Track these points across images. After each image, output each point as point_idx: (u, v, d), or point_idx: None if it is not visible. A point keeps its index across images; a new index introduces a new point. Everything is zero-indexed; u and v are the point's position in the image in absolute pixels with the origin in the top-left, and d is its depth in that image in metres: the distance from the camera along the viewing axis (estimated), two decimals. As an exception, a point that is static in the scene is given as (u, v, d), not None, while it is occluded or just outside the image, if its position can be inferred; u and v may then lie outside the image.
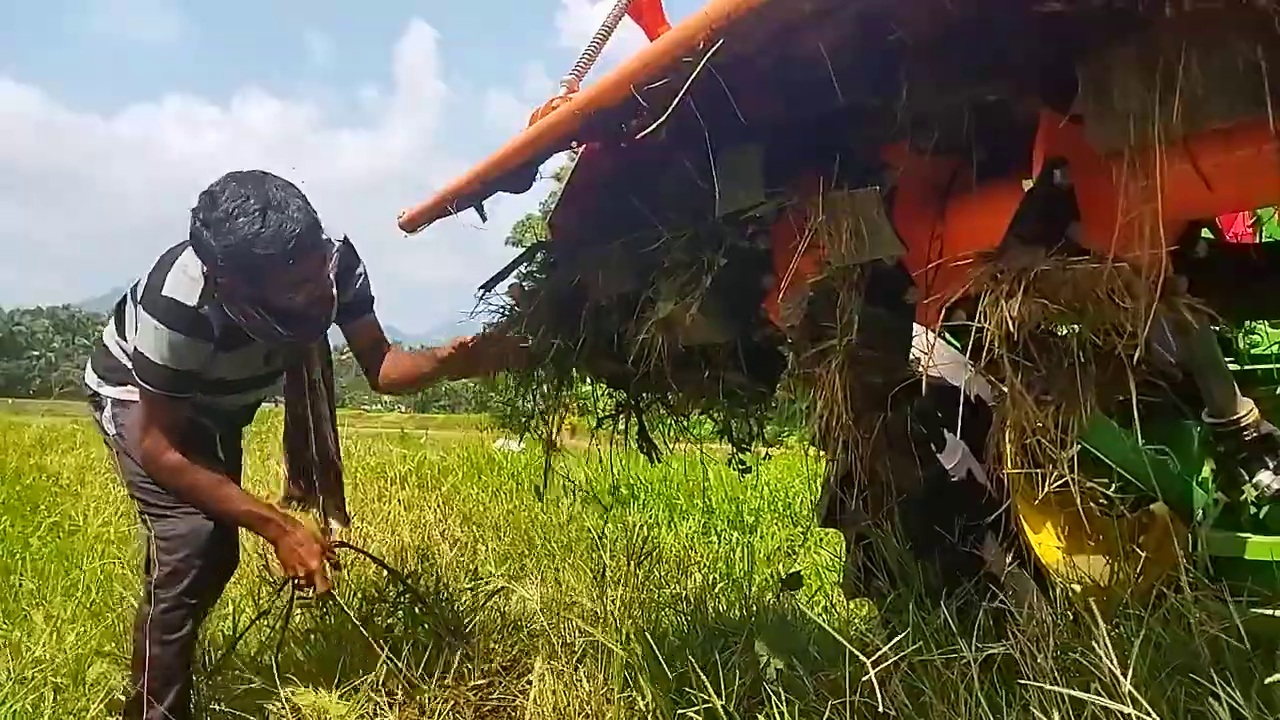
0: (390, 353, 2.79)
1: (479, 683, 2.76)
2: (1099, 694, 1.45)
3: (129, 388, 2.50)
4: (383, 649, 2.92)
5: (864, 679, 1.67)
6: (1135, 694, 1.37)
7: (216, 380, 2.52)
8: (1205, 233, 1.62)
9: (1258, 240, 2.70)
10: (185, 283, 2.34)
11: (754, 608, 3.71)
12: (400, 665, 2.80)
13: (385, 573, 3.36)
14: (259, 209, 2.15)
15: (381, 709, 2.65)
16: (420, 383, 2.85)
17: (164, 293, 2.33)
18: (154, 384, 2.37)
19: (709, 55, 1.18)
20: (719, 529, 6.00)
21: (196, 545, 2.46)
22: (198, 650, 2.77)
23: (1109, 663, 1.43)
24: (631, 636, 2.65)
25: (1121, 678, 1.39)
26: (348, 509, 3.00)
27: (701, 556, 5.12)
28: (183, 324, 2.33)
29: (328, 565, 2.59)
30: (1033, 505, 2.83)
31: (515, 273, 2.53)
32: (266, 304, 2.30)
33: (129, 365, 2.49)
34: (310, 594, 2.63)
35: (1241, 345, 2.76)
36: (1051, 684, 1.61)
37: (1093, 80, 1.13)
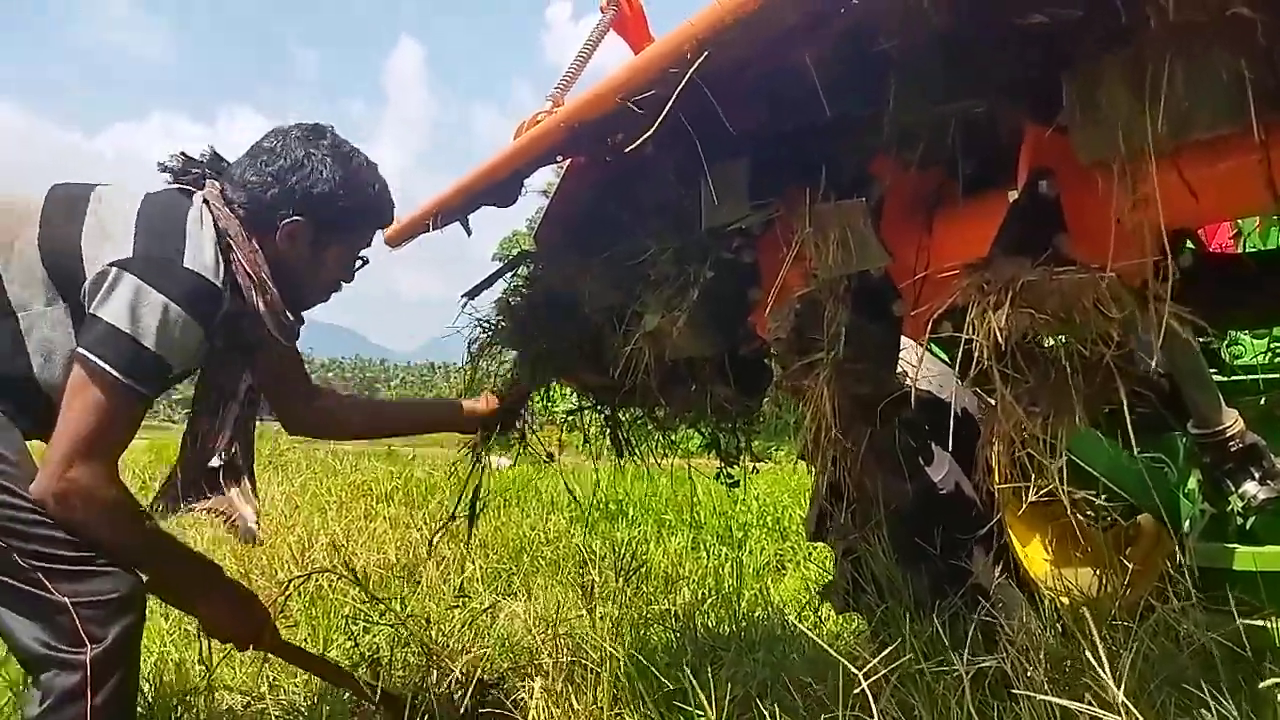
0: (332, 394, 2.49)
1: (466, 703, 2.73)
2: (1091, 705, 1.45)
3: None
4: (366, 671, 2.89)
5: (855, 691, 1.66)
6: (1128, 704, 1.36)
7: None
8: (1188, 243, 1.64)
9: (1241, 251, 2.72)
10: (208, 252, 1.84)
11: (744, 623, 3.69)
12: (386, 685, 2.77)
13: (368, 595, 3.33)
14: (372, 163, 2.05)
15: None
16: (374, 433, 2.65)
17: (187, 265, 1.79)
18: (130, 374, 1.73)
19: (695, 67, 1.19)
20: (708, 544, 5.98)
21: (136, 606, 1.85)
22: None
23: (1102, 673, 1.42)
24: (620, 653, 2.63)
25: (1114, 687, 1.38)
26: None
27: (690, 572, 5.10)
28: (207, 309, 1.83)
29: (268, 617, 2.17)
30: (1020, 518, 2.84)
31: (500, 283, 2.54)
32: (310, 268, 2.02)
33: None
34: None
35: (1226, 356, 2.78)
36: (1042, 696, 1.60)
37: (1078, 91, 1.14)
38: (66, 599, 1.74)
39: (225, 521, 2.19)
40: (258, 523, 2.20)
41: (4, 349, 1.81)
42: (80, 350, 1.75)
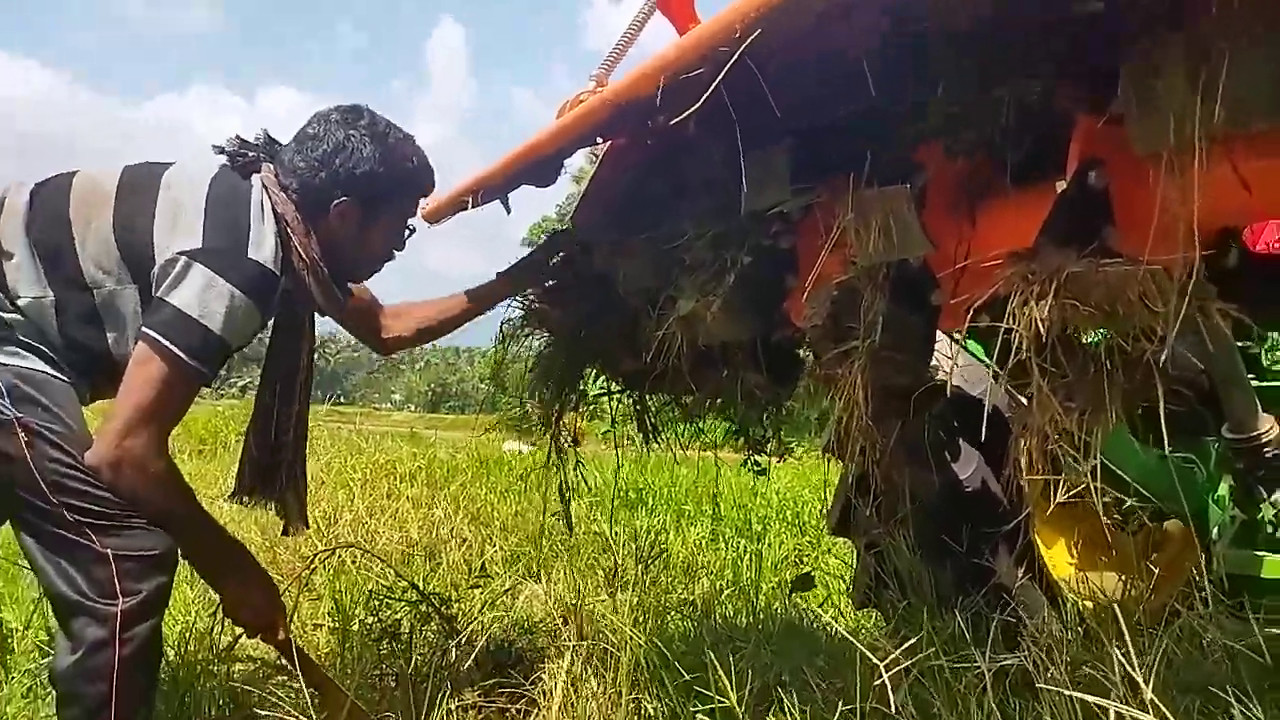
0: (386, 308, 2.57)
1: (485, 682, 2.75)
2: (1117, 703, 1.44)
3: (12, 349, 1.87)
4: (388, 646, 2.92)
5: (876, 682, 1.65)
6: (1158, 702, 1.35)
7: None
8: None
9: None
10: (269, 241, 1.96)
11: (762, 615, 3.69)
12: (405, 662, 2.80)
13: (390, 571, 3.36)
14: (408, 135, 2.13)
15: (386, 705, 2.64)
16: (438, 331, 2.64)
17: (250, 255, 1.92)
18: (196, 355, 1.84)
19: (746, 45, 1.18)
20: (727, 536, 5.98)
21: (170, 566, 1.95)
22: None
23: (1131, 670, 1.41)
24: (640, 638, 2.63)
25: (1143, 684, 1.37)
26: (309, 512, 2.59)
27: (709, 562, 5.10)
28: (266, 296, 1.95)
29: (284, 613, 2.21)
30: (1046, 520, 2.82)
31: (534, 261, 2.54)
32: (362, 243, 2.12)
33: (13, 316, 1.89)
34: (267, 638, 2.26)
35: (1264, 361, 2.75)
36: (1070, 692, 1.59)
37: (1135, 79, 1.13)
38: (108, 550, 1.84)
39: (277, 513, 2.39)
40: (303, 525, 2.42)
41: (80, 320, 1.92)
42: (147, 330, 1.85)
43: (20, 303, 1.89)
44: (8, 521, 1.97)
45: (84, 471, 1.83)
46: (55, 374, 1.90)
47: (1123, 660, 1.52)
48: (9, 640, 2.92)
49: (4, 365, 1.85)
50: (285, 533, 2.43)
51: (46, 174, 2.03)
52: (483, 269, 2.66)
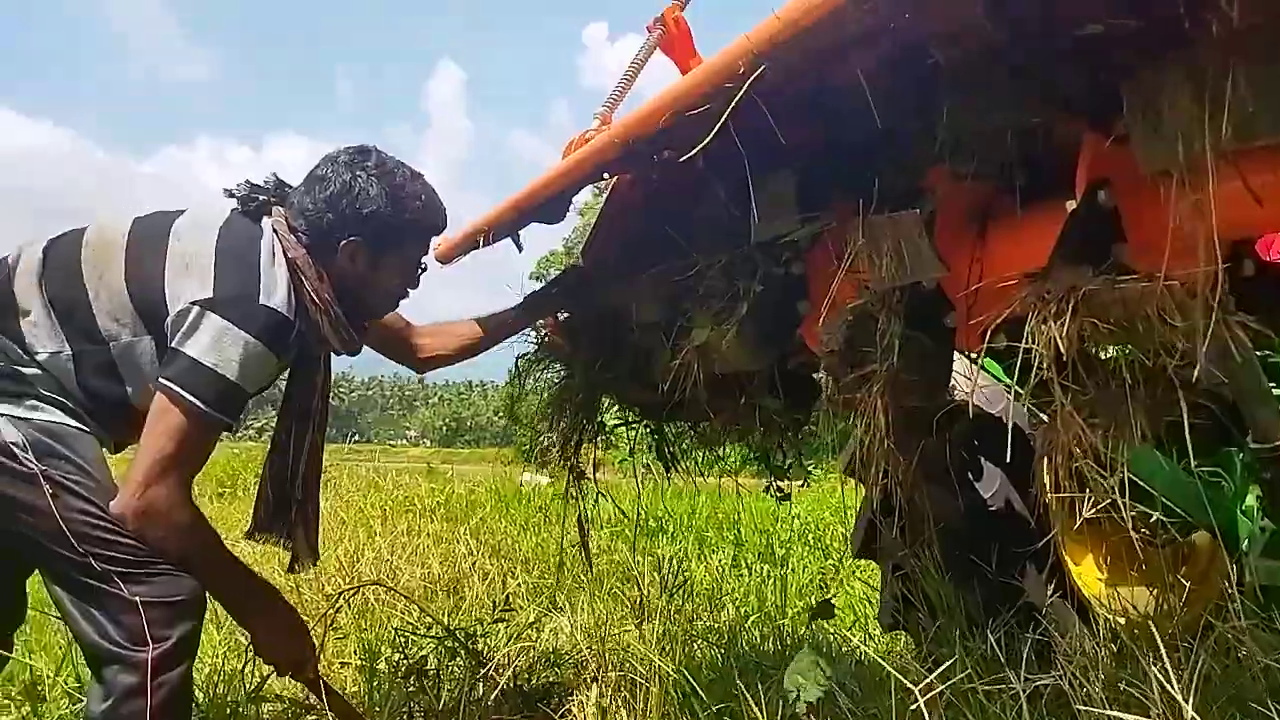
0: (419, 328, 2.58)
1: (514, 716, 2.74)
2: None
3: (33, 403, 1.90)
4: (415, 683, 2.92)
5: (912, 707, 1.64)
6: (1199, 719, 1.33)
7: None
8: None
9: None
10: (281, 287, 1.97)
11: (789, 640, 3.66)
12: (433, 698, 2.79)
13: (415, 607, 3.36)
14: (417, 174, 2.12)
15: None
16: (476, 349, 2.61)
17: (262, 301, 1.92)
18: (214, 404, 1.86)
19: (751, 80, 1.19)
20: (749, 562, 5.95)
21: (198, 610, 1.97)
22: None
23: (1170, 687, 1.39)
24: (669, 668, 2.62)
25: (1184, 702, 1.35)
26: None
27: (733, 589, 5.07)
28: (281, 341, 1.96)
29: (314, 650, 2.22)
30: (1073, 536, 2.79)
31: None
32: (373, 283, 2.12)
33: (33, 371, 1.92)
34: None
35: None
36: (1113, 714, 1.57)
37: (1139, 100, 1.13)
38: (136, 598, 1.85)
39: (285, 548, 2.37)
40: (311, 561, 2.40)
41: (98, 372, 1.95)
42: (164, 381, 1.86)
43: (39, 358, 1.92)
44: (36, 571, 2.00)
45: (109, 521, 1.85)
46: (78, 426, 1.92)
47: (1160, 677, 1.50)
48: (41, 687, 2.93)
49: (26, 419, 1.87)
50: (290, 569, 2.42)
51: (60, 231, 2.05)
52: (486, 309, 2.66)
